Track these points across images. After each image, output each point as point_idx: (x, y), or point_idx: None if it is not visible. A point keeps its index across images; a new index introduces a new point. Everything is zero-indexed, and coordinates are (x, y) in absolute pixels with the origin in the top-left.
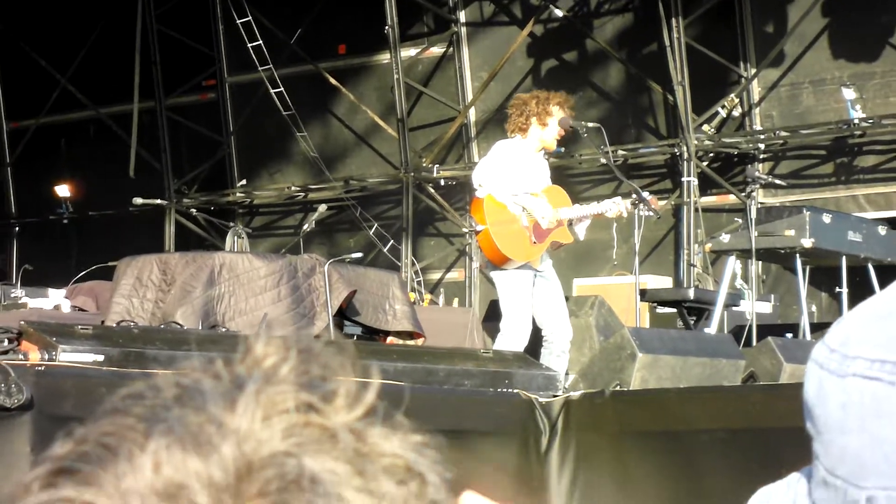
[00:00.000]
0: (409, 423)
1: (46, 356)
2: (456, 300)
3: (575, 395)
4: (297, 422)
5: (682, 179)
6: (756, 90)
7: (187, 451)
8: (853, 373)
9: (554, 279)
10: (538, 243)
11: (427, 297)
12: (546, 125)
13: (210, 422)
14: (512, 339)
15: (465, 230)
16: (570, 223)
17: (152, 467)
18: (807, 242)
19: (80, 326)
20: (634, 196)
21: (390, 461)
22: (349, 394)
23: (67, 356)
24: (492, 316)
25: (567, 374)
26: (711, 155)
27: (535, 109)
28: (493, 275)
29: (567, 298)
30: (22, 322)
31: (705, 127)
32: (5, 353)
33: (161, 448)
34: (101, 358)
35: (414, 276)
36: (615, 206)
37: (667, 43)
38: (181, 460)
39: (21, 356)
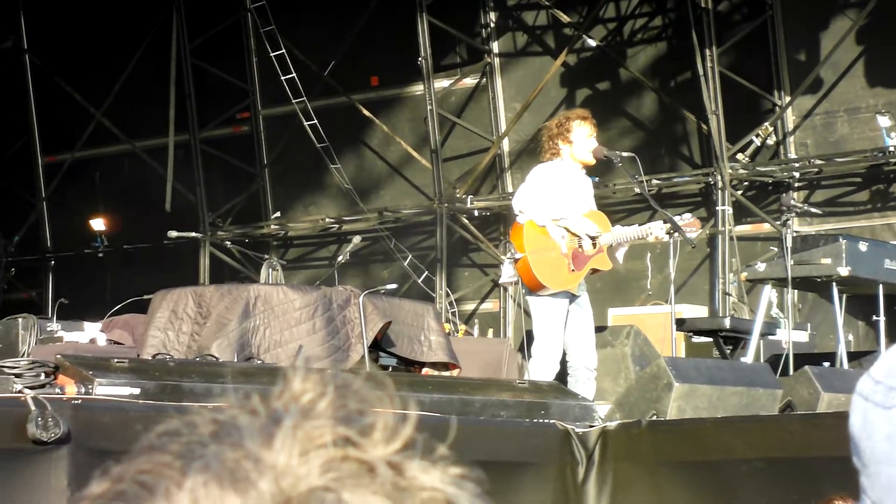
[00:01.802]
0: (449, 455)
1: (83, 390)
2: (491, 331)
3: (611, 425)
4: (334, 456)
5: (717, 208)
6: (790, 118)
7: (225, 488)
8: None
9: (587, 306)
10: (576, 271)
11: (462, 327)
12: (572, 142)
13: (247, 458)
14: (543, 364)
15: (506, 257)
16: (611, 248)
17: None
18: (843, 271)
19: (116, 360)
20: (670, 224)
21: (430, 495)
22: (387, 427)
23: (104, 390)
24: (528, 346)
25: (595, 401)
26: (746, 184)
27: (556, 131)
28: (530, 300)
29: (603, 328)
30: (58, 356)
31: (739, 156)
32: (42, 386)
33: (198, 485)
34: (137, 391)
35: (448, 307)
36: (658, 230)
37: (700, 72)
38: (219, 497)
39: (58, 390)
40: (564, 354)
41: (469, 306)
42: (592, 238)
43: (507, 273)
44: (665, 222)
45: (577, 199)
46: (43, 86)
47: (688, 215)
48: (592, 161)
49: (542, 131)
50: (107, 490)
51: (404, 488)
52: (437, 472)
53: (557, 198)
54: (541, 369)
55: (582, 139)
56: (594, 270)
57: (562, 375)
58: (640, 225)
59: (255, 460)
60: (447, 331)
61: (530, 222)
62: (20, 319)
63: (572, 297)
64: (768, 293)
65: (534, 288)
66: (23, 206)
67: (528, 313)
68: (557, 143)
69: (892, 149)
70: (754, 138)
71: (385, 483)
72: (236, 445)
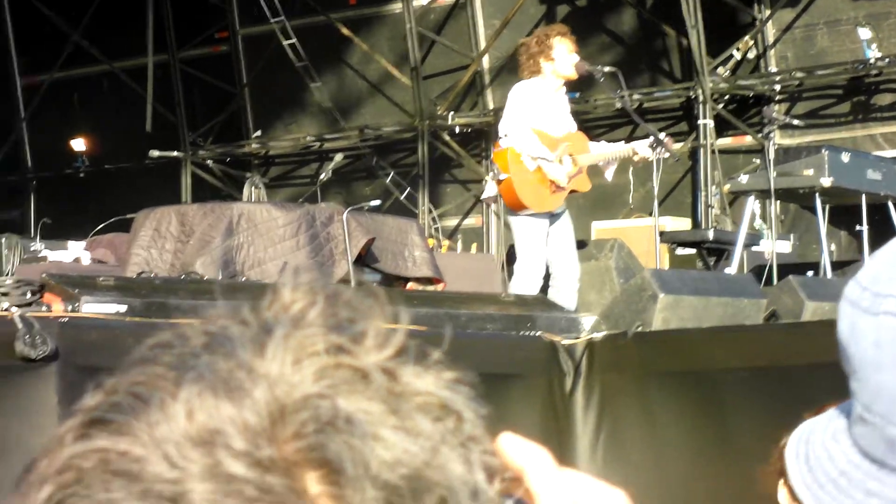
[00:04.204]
0: (442, 360)
1: (70, 307)
2: (474, 246)
3: (598, 336)
4: (327, 364)
5: (699, 122)
6: (770, 32)
7: (219, 398)
8: (885, 311)
9: (567, 220)
10: (558, 192)
11: (445, 243)
12: (553, 59)
13: (240, 367)
14: (526, 282)
15: (488, 179)
16: (597, 166)
17: (185, 414)
18: (826, 181)
19: (101, 278)
20: (652, 139)
21: (424, 399)
22: (379, 334)
23: (90, 307)
24: (512, 260)
25: (580, 313)
26: (727, 97)
27: (536, 49)
28: (511, 219)
29: (586, 242)
30: (44, 274)
31: (720, 70)
32: (28, 304)
33: (193, 395)
34: (123, 308)
35: (431, 223)
36: (642, 148)
37: None
38: (214, 406)
39: (44, 308)
40: (548, 267)
41: (452, 222)
42: (573, 158)
43: (491, 190)
44: (648, 136)
45: (557, 117)
46: (19, 7)
47: (663, 135)
48: (575, 75)
49: (520, 49)
50: (101, 402)
51: (398, 394)
52: (431, 377)
53: (538, 119)
54: (523, 287)
55: (563, 55)
56: (575, 192)
57: (545, 287)
58: (623, 142)
59: (248, 370)
60: (431, 246)
61: (511, 148)
62: (3, 239)
63: (552, 215)
64: (751, 205)
65: (515, 208)
66: (2, 128)
67: (508, 228)
68: (539, 61)
69: (872, 60)
70: (735, 52)
71: (379, 389)
72: (229, 355)
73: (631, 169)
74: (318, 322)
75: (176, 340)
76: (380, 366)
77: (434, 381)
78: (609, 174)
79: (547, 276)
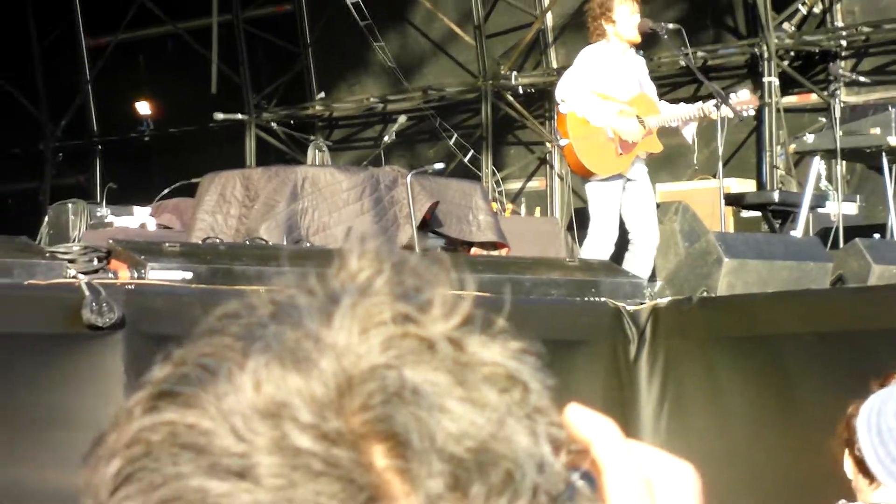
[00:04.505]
0: (508, 329)
1: (136, 274)
2: (538, 209)
3: (662, 302)
4: (394, 333)
5: (763, 80)
6: None
7: (286, 368)
8: None
9: (646, 184)
10: (624, 154)
11: (509, 206)
12: (615, 21)
13: (307, 337)
14: (598, 246)
15: (549, 144)
16: (675, 127)
17: (252, 386)
18: (893, 140)
19: (167, 244)
20: (717, 99)
21: (491, 370)
22: (445, 303)
23: (156, 274)
24: (576, 225)
25: (654, 279)
26: (792, 54)
27: (598, 11)
28: (586, 186)
29: None
30: (110, 241)
31: (785, 25)
32: (95, 272)
33: (260, 366)
34: (189, 275)
35: (495, 186)
36: (708, 111)
37: None
38: (281, 377)
39: (111, 275)
40: (625, 233)
41: (515, 185)
42: (640, 120)
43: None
44: (718, 99)
45: (625, 81)
46: None
47: (745, 92)
48: (638, 38)
49: (586, 12)
50: (169, 374)
51: (465, 364)
52: (497, 347)
53: (601, 83)
54: (595, 251)
55: (625, 17)
56: (645, 153)
57: (619, 253)
58: (693, 104)
59: (315, 340)
60: (494, 210)
61: (572, 112)
62: (70, 205)
63: (627, 179)
64: (817, 165)
65: (582, 174)
66: (68, 91)
67: (581, 197)
68: (602, 24)
69: None
70: (800, 7)
71: (446, 359)
72: (296, 325)
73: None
74: (384, 291)
75: (243, 310)
76: (446, 335)
77: (500, 351)
78: (688, 135)
79: (624, 242)
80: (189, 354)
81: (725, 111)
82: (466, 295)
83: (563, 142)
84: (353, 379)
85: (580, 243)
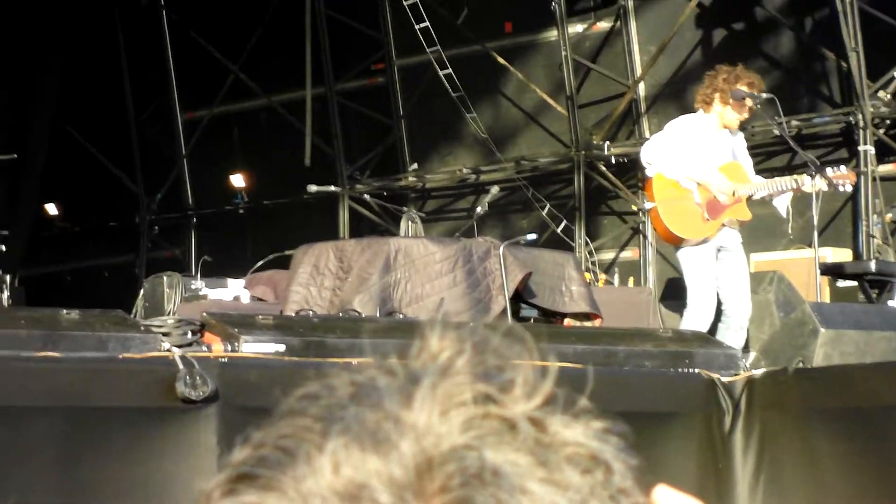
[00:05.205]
0: (591, 408)
1: (230, 347)
2: (631, 279)
3: (757, 373)
4: (475, 414)
5: (859, 148)
6: None
7: (366, 450)
8: None
9: (739, 253)
10: (711, 220)
11: (602, 277)
12: (728, 104)
13: (387, 418)
14: (696, 316)
15: (636, 208)
16: (770, 198)
17: (332, 468)
18: None
19: (260, 317)
20: (812, 168)
21: (573, 450)
22: (527, 382)
23: (250, 347)
24: (669, 294)
25: (747, 350)
26: (888, 122)
27: (720, 85)
28: (678, 254)
29: None
30: (204, 314)
31: (881, 93)
32: (189, 345)
33: (339, 448)
34: (282, 348)
35: (588, 256)
36: (809, 181)
37: (839, 8)
38: (360, 459)
39: (204, 348)
40: (718, 304)
41: (608, 255)
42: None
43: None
44: (812, 169)
45: (718, 151)
46: (180, 42)
47: (843, 167)
48: (735, 126)
49: (710, 74)
50: (248, 456)
51: (547, 444)
52: (580, 427)
53: (689, 152)
54: (694, 321)
55: (739, 106)
56: (733, 221)
57: (713, 325)
58: (788, 176)
59: (395, 421)
60: (588, 280)
61: (659, 174)
62: (165, 278)
63: (720, 248)
64: None
65: (667, 239)
66: (164, 164)
67: (673, 266)
68: (715, 96)
69: None
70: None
71: (527, 440)
72: (376, 406)
73: (789, 199)
74: (465, 370)
75: (323, 391)
76: (528, 415)
77: (583, 431)
78: (781, 206)
79: (718, 312)
80: (268, 436)
81: (820, 182)
82: (549, 372)
83: (648, 205)
84: (433, 460)
85: (675, 313)
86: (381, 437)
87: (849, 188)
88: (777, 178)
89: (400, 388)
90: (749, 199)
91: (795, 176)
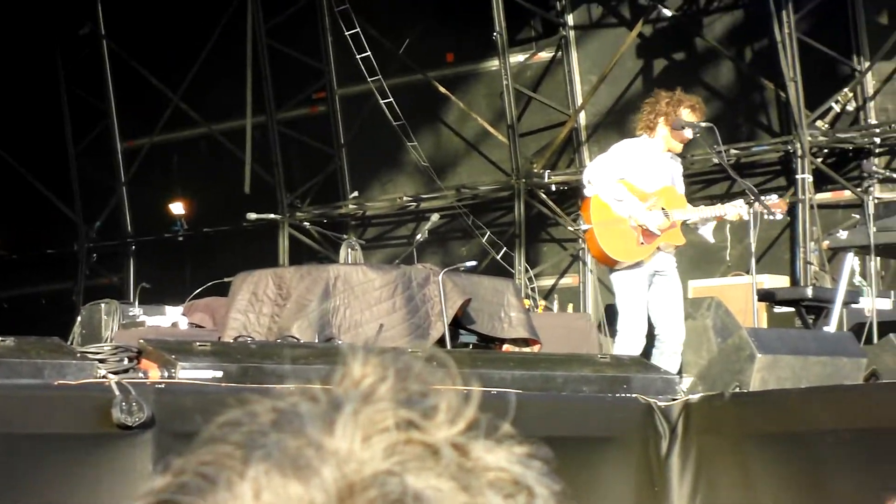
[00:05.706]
0: (514, 434)
1: (166, 374)
2: (570, 306)
3: (694, 398)
4: (397, 440)
5: (797, 177)
6: (870, 83)
7: (287, 476)
8: None
9: (674, 278)
10: (646, 244)
11: (541, 303)
12: (671, 127)
13: (309, 445)
14: (628, 339)
15: (572, 228)
16: (695, 226)
17: (253, 494)
18: None
19: (198, 343)
20: (750, 196)
21: (495, 475)
22: (450, 408)
23: (187, 373)
24: (608, 320)
25: (681, 375)
26: (826, 151)
27: (664, 109)
28: (611, 276)
29: (683, 301)
30: (141, 340)
31: (819, 122)
32: (126, 371)
33: (260, 474)
34: (220, 374)
35: (528, 283)
36: (734, 210)
37: (777, 38)
38: (282, 486)
39: (141, 374)
40: (652, 328)
41: (548, 281)
42: (665, 212)
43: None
44: (746, 193)
45: (656, 175)
46: (121, 70)
47: (774, 196)
48: (679, 149)
49: (650, 100)
50: (169, 483)
51: (469, 469)
52: (502, 452)
53: (631, 175)
54: (626, 345)
55: (683, 132)
56: (668, 245)
57: (647, 349)
58: (720, 204)
59: (316, 447)
60: (527, 307)
61: (596, 196)
62: (103, 305)
63: (655, 271)
64: (851, 261)
65: (602, 261)
66: (103, 192)
67: (609, 290)
68: (658, 120)
69: None
70: (834, 104)
71: (450, 465)
72: (297, 433)
73: (728, 226)
74: (388, 397)
75: (245, 418)
76: (451, 441)
77: (506, 457)
78: (707, 234)
79: (651, 337)
80: (189, 463)
81: (742, 211)
82: (472, 397)
83: (584, 227)
84: (355, 486)
85: (612, 338)
86: (303, 463)
87: (779, 216)
88: (702, 207)
89: (322, 414)
90: (683, 223)
91: (719, 205)
